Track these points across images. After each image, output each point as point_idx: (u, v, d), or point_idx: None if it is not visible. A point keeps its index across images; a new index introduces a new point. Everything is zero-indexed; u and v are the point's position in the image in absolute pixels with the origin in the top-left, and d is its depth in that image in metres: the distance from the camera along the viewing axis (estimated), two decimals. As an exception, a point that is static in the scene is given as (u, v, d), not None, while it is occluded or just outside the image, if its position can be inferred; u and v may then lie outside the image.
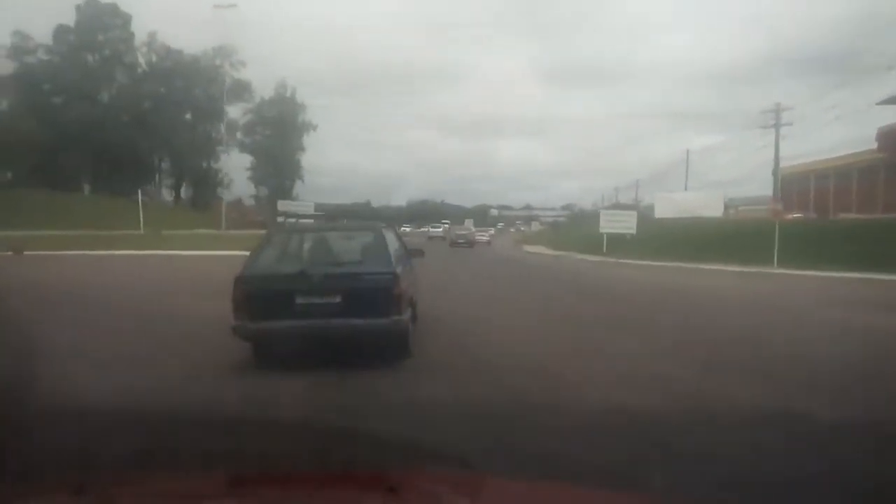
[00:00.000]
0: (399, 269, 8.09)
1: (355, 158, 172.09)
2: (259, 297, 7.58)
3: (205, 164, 74.29)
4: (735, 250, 26.79)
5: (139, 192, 48.40)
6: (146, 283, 17.99)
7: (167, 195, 78.55)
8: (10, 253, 23.88)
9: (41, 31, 69.57)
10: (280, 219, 37.57)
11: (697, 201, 47.99)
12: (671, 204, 48.85)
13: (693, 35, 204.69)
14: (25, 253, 24.55)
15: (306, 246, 8.96)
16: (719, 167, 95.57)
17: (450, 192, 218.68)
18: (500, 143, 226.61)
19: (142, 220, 44.30)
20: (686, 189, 60.60)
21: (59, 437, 3.14)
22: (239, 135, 76.21)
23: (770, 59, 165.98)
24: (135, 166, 69.22)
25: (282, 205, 46.35)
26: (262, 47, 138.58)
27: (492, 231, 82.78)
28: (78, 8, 67.21)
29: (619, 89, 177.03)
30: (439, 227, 78.30)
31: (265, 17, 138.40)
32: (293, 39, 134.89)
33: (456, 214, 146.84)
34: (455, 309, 12.57)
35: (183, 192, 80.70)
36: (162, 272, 21.71)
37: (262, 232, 31.26)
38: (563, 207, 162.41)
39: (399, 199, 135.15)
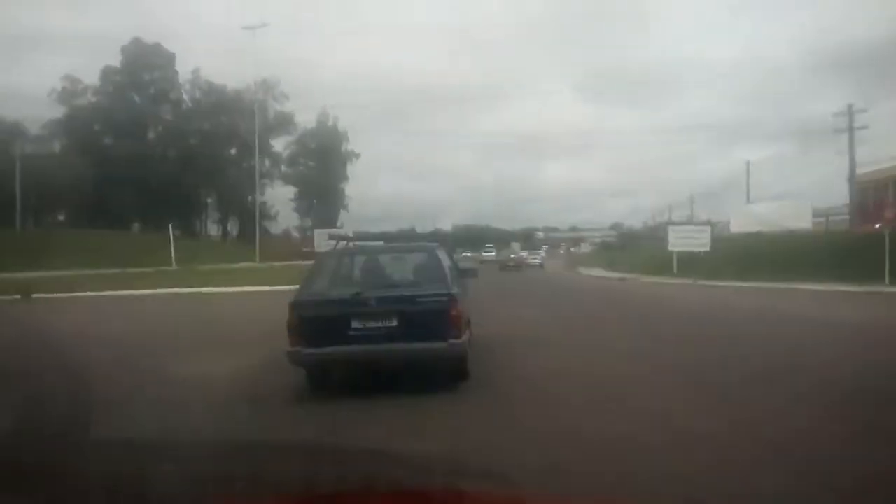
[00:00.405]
0: (456, 290, 7.87)
1: (399, 185, 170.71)
2: (314, 321, 7.45)
3: (250, 198, 72.51)
4: (834, 266, 23.04)
5: (170, 226, 47.15)
6: (138, 331, 14.90)
7: (214, 230, 76.99)
8: (17, 297, 21.58)
9: (90, 74, 70.59)
10: (327, 244, 34.44)
11: (783, 212, 42.79)
12: (750, 217, 44.64)
13: (739, 46, 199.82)
14: (35, 295, 22.14)
15: (360, 268, 8.74)
16: (782, 178, 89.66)
17: (494, 216, 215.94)
18: (544, 164, 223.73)
19: (173, 255, 42.79)
20: (749, 202, 56.25)
21: None
22: (283, 167, 74.40)
23: (817, 66, 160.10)
24: (182, 202, 68.08)
25: (318, 235, 40.93)
26: (303, 78, 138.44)
27: (542, 253, 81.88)
28: (123, 49, 67.18)
29: (665, 104, 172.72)
30: (492, 251, 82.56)
31: (307, 48, 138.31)
32: (333, 69, 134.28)
33: (501, 238, 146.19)
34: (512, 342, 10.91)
35: (230, 227, 78.83)
36: (168, 315, 18.99)
37: (303, 263, 25.66)
38: (611, 227, 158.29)
39: (444, 224, 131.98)
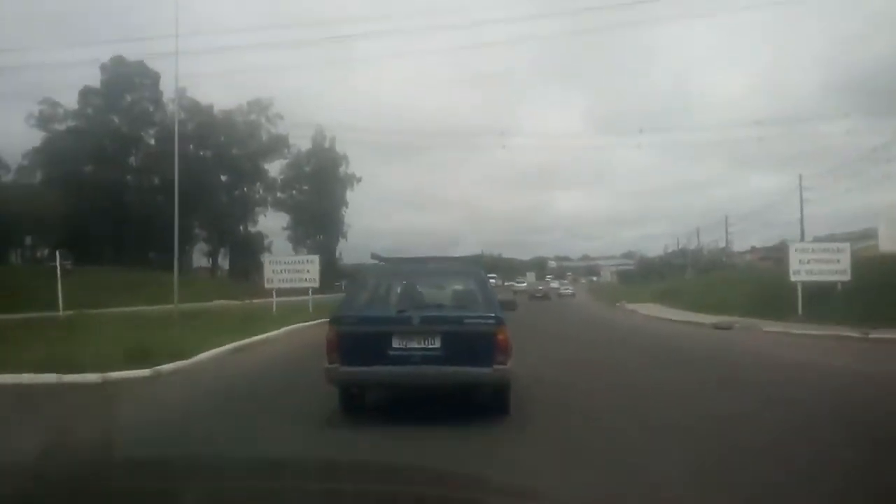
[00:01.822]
0: (503, 315, 7.29)
1: (408, 217, 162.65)
2: (354, 338, 7.05)
3: (242, 228, 61.80)
4: None
5: (57, 254, 27.86)
6: None
7: (205, 263, 66.34)
8: None
9: (69, 96, 63.42)
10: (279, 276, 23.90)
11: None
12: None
13: (746, 76, 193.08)
14: None
15: (403, 287, 8.09)
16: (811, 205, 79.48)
17: (505, 245, 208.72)
18: (554, 194, 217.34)
19: (60, 296, 25.21)
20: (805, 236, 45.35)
21: None
22: (278, 193, 63.93)
23: (827, 96, 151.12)
24: (167, 233, 57.46)
25: (269, 265, 28.98)
26: (310, 110, 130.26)
27: (570, 285, 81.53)
28: (103, 68, 57.42)
29: (674, 133, 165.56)
30: (523, 282, 79.05)
31: (317, 83, 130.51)
32: (340, 100, 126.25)
33: (513, 268, 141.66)
34: None
35: (221, 259, 68.44)
36: None
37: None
38: (624, 255, 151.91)
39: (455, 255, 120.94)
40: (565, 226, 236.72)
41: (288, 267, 26.46)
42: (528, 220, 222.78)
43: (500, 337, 6.93)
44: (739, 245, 76.88)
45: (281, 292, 26.83)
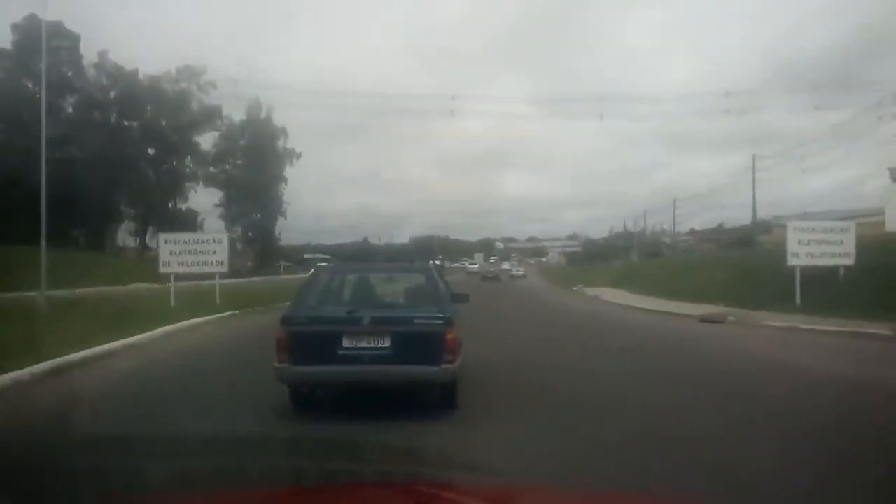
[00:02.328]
0: (451, 314, 7.38)
1: (356, 198, 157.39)
2: (304, 338, 7.04)
3: (171, 205, 56.07)
4: None
5: None
6: None
7: (133, 242, 60.44)
8: None
9: None
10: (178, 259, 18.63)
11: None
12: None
13: (692, 61, 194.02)
14: None
15: (354, 286, 8.42)
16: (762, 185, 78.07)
17: (453, 227, 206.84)
18: (501, 176, 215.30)
19: None
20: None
21: None
22: (211, 168, 58.21)
23: (768, 80, 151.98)
24: (90, 210, 51.53)
25: (164, 246, 23.15)
26: (247, 83, 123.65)
27: (520, 267, 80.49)
28: (15, 28, 50.92)
29: (620, 118, 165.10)
30: (475, 264, 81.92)
31: (250, 42, 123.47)
32: (284, 78, 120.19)
33: (461, 249, 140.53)
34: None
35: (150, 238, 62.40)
36: None
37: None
38: (569, 237, 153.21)
39: (402, 237, 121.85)
40: (512, 208, 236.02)
41: (190, 248, 21.47)
42: (475, 202, 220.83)
43: (449, 337, 6.99)
44: (683, 228, 77.44)
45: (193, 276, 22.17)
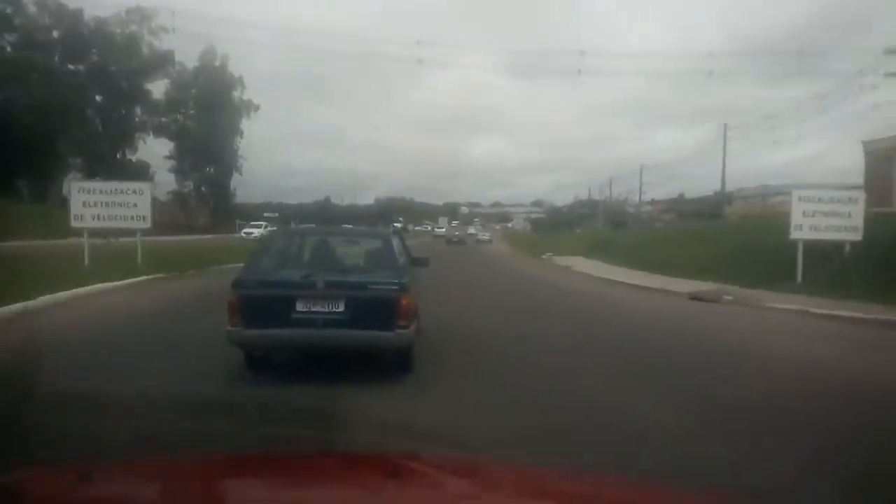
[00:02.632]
0: (407, 280, 7.33)
1: (320, 157, 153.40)
2: (256, 301, 6.90)
3: (119, 155, 52.02)
4: None
5: None
6: None
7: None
8: None
9: None
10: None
11: None
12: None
13: (658, 31, 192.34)
14: None
15: (310, 251, 8.25)
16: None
17: (418, 190, 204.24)
18: (467, 140, 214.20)
19: None
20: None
21: None
22: (163, 119, 54.09)
23: (730, 53, 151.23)
24: (34, 161, 47.39)
25: (76, 195, 24.06)
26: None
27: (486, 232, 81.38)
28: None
29: (588, 85, 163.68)
30: (442, 228, 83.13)
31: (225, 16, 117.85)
32: (250, 34, 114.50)
33: (426, 212, 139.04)
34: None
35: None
36: None
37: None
38: (533, 203, 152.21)
39: (367, 198, 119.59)
40: (477, 172, 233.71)
41: (106, 199, 18.16)
42: (441, 166, 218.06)
43: (403, 302, 6.89)
44: (646, 198, 75.32)
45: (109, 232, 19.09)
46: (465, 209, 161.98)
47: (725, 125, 45.81)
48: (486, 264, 31.47)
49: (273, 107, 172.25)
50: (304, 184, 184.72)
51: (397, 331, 6.83)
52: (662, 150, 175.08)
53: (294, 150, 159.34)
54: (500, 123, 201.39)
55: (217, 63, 60.33)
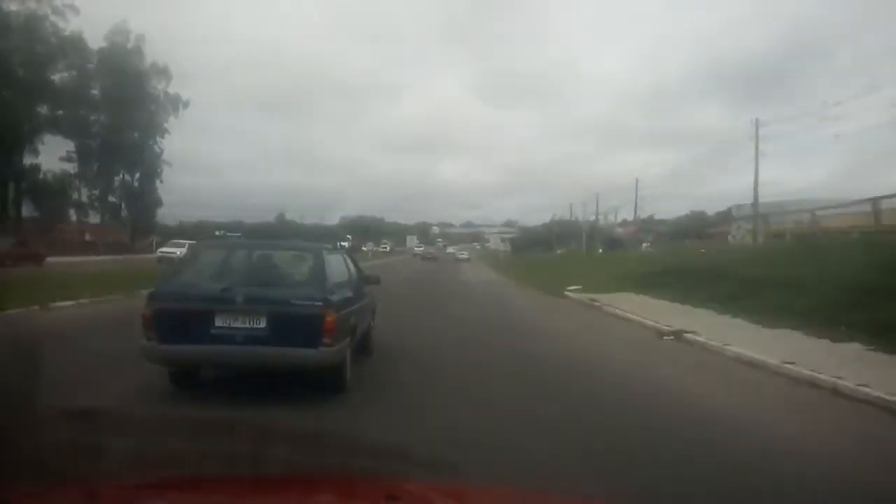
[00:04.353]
0: (335, 296, 6.82)
1: (287, 176, 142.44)
2: (171, 315, 6.37)
3: (17, 160, 39.33)
4: None
5: None
6: None
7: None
8: None
9: None
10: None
11: None
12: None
13: (624, 57, 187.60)
14: None
15: (234, 264, 7.41)
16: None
17: (388, 210, 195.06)
18: (439, 161, 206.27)
19: None
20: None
21: None
22: (59, 112, 40.96)
23: (693, 79, 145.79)
24: None
25: None
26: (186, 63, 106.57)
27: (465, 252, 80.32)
28: None
29: (553, 109, 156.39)
30: (421, 246, 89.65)
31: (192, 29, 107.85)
32: (217, 50, 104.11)
33: (395, 232, 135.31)
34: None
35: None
36: None
37: None
38: (505, 224, 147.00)
39: (331, 218, 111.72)
40: (448, 193, 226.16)
41: None
42: (411, 186, 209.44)
43: (328, 319, 6.35)
44: (613, 219, 72.61)
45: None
46: (436, 229, 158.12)
47: (756, 120, 35.59)
48: (481, 306, 17.79)
49: (237, 123, 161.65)
50: (268, 202, 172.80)
51: (321, 348, 6.26)
52: (628, 172, 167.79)
53: (261, 168, 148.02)
54: (472, 145, 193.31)
55: (130, 45, 47.29)
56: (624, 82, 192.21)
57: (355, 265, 8.75)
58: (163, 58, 48.70)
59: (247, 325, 6.16)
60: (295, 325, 6.19)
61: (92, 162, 47.73)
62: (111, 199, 49.55)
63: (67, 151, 46.78)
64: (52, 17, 45.02)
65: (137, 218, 50.56)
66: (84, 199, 48.07)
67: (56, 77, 45.57)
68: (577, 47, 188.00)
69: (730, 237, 55.60)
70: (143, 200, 49.54)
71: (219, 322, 6.18)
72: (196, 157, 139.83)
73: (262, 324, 6.15)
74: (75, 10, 44.82)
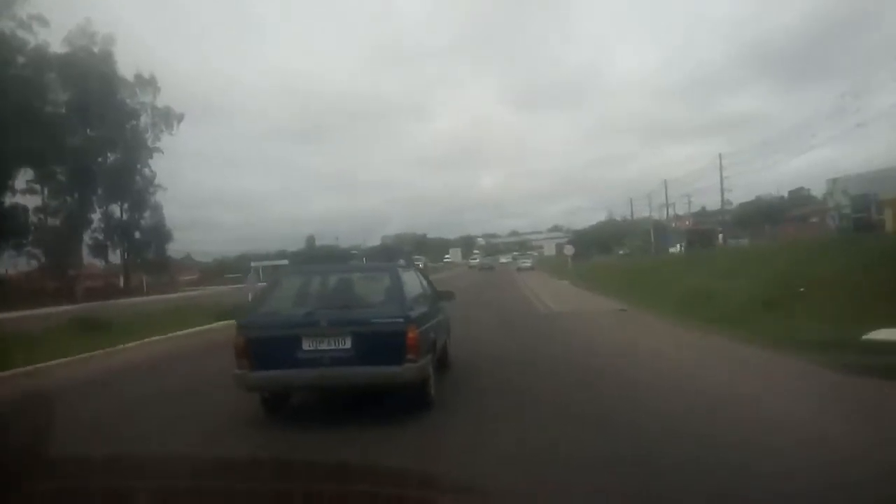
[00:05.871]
0: (414, 312, 6.94)
1: (332, 202, 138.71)
2: (262, 342, 6.53)
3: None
4: None
5: None
6: None
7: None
8: None
9: None
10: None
11: None
12: None
13: (656, 49, 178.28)
14: None
15: (316, 288, 7.72)
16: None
17: (431, 226, 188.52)
18: (478, 173, 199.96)
19: None
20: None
21: None
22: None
23: (731, 65, 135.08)
24: None
25: None
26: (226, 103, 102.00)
27: (528, 261, 72.42)
28: None
29: (589, 109, 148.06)
30: (476, 258, 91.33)
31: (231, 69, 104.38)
32: (257, 88, 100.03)
33: (439, 247, 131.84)
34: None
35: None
36: None
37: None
38: (551, 229, 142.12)
39: (374, 239, 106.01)
40: (489, 203, 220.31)
41: None
42: (452, 200, 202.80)
43: (410, 335, 6.48)
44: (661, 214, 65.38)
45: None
46: (481, 240, 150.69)
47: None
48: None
49: (280, 157, 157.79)
50: (318, 229, 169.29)
51: (406, 365, 6.38)
52: (674, 166, 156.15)
53: (307, 196, 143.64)
54: (510, 153, 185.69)
55: (97, 49, 38.04)
56: (659, 74, 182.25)
57: (428, 281, 9.00)
58: (146, 67, 40.73)
59: (332, 347, 6.31)
60: (379, 343, 6.32)
61: (63, 192, 38.35)
62: (94, 234, 39.89)
63: (27, 181, 37.21)
64: (19, 32, 37.60)
65: (131, 254, 41.60)
66: (49, 236, 37.55)
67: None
68: (608, 45, 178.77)
69: (829, 219, 44.47)
70: (129, 234, 40.47)
71: (306, 346, 6.35)
72: (232, 192, 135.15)
73: (347, 344, 6.32)
74: (44, 21, 36.95)
